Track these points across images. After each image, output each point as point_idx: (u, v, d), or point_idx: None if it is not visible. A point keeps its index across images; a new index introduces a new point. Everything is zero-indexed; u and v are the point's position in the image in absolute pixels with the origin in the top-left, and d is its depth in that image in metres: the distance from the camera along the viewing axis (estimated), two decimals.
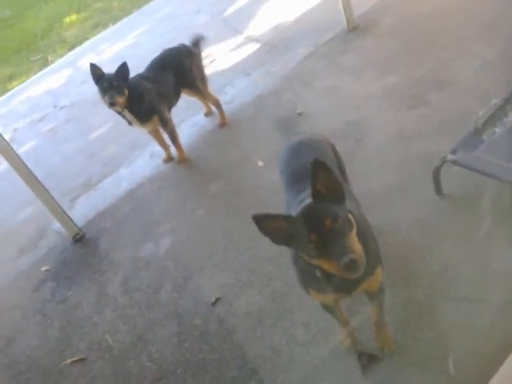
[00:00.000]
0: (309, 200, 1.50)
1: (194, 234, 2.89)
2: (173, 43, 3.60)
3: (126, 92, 3.13)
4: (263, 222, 1.45)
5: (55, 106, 5.20)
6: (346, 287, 1.62)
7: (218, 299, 2.41)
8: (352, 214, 1.51)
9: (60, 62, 6.36)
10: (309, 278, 1.66)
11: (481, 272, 2.01)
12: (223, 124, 3.65)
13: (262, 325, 2.21)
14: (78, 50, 6.47)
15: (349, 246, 1.38)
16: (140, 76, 3.32)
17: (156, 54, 3.49)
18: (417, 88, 3.15)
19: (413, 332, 1.93)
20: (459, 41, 3.37)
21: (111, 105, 3.10)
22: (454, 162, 2.30)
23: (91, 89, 5.16)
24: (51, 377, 2.43)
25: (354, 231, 1.45)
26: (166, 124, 3.39)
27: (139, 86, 3.24)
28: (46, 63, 6.51)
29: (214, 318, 2.34)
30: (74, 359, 2.44)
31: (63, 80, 5.80)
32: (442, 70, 3.21)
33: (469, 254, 2.09)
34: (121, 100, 3.11)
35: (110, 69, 5.20)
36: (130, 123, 3.33)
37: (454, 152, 2.32)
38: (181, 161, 3.50)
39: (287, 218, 1.49)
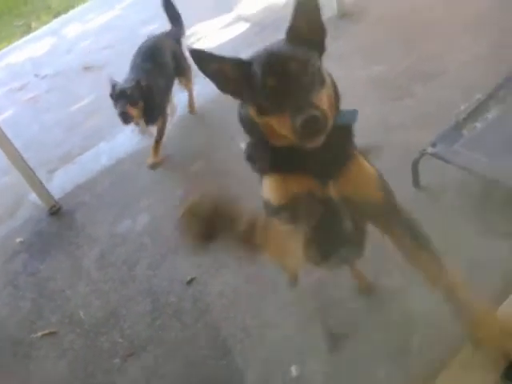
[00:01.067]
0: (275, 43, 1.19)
1: (172, 212, 2.88)
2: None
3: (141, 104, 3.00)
4: (204, 61, 1.17)
5: (37, 75, 5.07)
6: (316, 167, 1.20)
7: (193, 279, 2.42)
8: (330, 76, 1.21)
9: (44, 29, 6.19)
10: (271, 156, 1.25)
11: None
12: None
13: (235, 306, 2.23)
14: (63, 17, 6.31)
15: (313, 102, 1.08)
16: (141, 70, 3.13)
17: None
18: (402, 79, 3.16)
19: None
20: (448, 34, 3.37)
21: (123, 117, 2.94)
22: (433, 155, 2.33)
23: (75, 59, 5.09)
24: (21, 347, 2.42)
25: (326, 90, 1.15)
26: (163, 121, 3.27)
27: (149, 90, 3.05)
28: (28, 30, 6.34)
29: (188, 297, 2.36)
30: (45, 332, 2.43)
31: (46, 48, 5.65)
32: (429, 62, 3.22)
33: (440, 246, 2.12)
34: (135, 112, 2.98)
35: (96, 39, 5.10)
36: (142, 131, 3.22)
37: (433, 145, 2.34)
38: (151, 165, 3.26)
39: (237, 64, 1.18)
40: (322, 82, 1.14)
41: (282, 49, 1.16)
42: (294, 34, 1.17)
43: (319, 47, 1.20)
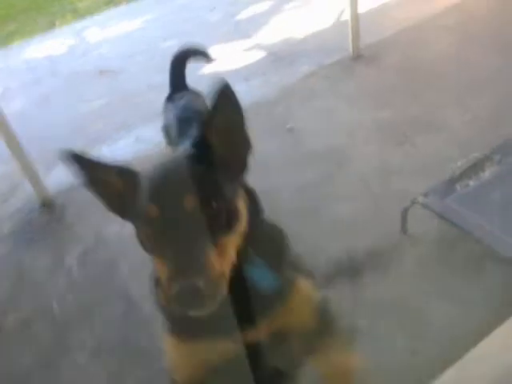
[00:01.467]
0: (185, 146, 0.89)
1: None
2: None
3: None
4: (87, 169, 0.91)
5: (52, 72, 5.16)
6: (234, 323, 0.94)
7: None
8: (251, 194, 0.94)
9: (66, 29, 6.33)
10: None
11: (413, 318, 2.06)
12: None
13: None
14: (86, 21, 6.45)
15: (204, 261, 0.80)
16: None
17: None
18: (406, 127, 3.22)
19: None
20: (456, 90, 3.46)
21: None
22: (424, 205, 2.37)
23: (91, 62, 5.19)
24: None
25: (235, 234, 0.87)
26: None
27: None
28: (52, 27, 6.48)
29: None
30: (16, 318, 2.43)
31: (65, 48, 5.77)
32: (434, 115, 3.28)
33: (413, 296, 2.14)
34: None
35: (114, 46, 5.19)
36: None
37: (425, 195, 2.39)
38: None
39: (123, 172, 0.93)
40: (230, 225, 0.85)
41: (181, 169, 0.85)
42: (203, 147, 0.87)
43: (239, 167, 0.90)
